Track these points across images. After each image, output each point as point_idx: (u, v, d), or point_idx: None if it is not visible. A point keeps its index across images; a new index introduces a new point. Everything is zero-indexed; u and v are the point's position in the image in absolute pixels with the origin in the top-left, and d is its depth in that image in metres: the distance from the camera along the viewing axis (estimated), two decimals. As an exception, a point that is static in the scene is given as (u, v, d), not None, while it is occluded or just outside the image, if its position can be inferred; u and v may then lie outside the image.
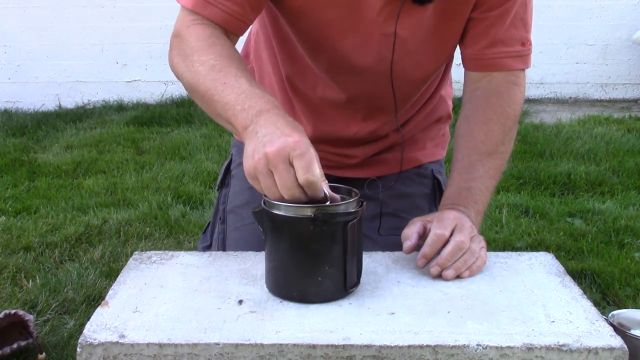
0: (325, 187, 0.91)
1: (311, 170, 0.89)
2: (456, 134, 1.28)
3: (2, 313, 1.65)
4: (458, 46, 1.31)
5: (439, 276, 1.03)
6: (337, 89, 1.30)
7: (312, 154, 0.90)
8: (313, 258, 0.93)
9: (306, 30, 1.23)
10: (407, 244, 1.07)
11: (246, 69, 1.08)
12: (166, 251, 1.14)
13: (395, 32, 1.20)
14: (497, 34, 1.24)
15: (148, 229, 2.60)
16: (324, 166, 1.40)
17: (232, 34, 1.17)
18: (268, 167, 0.90)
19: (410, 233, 1.08)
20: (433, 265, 1.03)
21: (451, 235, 1.05)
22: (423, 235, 1.08)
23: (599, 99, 5.15)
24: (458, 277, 1.03)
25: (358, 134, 1.36)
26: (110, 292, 0.99)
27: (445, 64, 1.37)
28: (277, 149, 0.89)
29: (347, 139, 1.37)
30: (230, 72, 1.04)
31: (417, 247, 1.07)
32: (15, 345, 1.63)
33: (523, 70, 1.28)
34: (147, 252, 1.14)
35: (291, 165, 0.89)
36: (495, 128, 1.23)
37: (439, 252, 1.04)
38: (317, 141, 1.38)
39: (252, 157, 0.91)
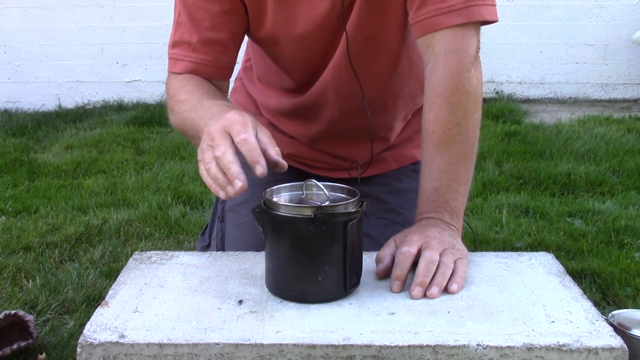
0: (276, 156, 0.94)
1: (246, 130, 0.92)
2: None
3: (2, 313, 1.65)
4: None
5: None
6: (297, 75, 1.33)
7: (247, 121, 0.94)
8: (313, 258, 0.93)
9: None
10: (380, 267, 1.03)
11: (217, 95, 1.17)
12: (166, 251, 1.14)
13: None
14: None
15: (148, 229, 2.60)
16: (320, 169, 1.41)
17: (214, 80, 1.23)
18: (208, 143, 0.95)
19: (384, 255, 1.04)
20: (413, 288, 0.97)
21: (420, 251, 1.00)
22: None
23: (599, 99, 5.15)
24: (446, 290, 0.97)
25: (335, 129, 1.36)
26: (110, 292, 0.99)
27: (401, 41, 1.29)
28: (217, 125, 0.95)
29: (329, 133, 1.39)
30: (198, 102, 1.12)
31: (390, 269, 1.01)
32: (15, 346, 1.63)
33: (464, 27, 1.14)
34: (147, 252, 1.14)
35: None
36: (441, 112, 1.12)
37: (413, 271, 0.99)
38: (314, 140, 1.39)
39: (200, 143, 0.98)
